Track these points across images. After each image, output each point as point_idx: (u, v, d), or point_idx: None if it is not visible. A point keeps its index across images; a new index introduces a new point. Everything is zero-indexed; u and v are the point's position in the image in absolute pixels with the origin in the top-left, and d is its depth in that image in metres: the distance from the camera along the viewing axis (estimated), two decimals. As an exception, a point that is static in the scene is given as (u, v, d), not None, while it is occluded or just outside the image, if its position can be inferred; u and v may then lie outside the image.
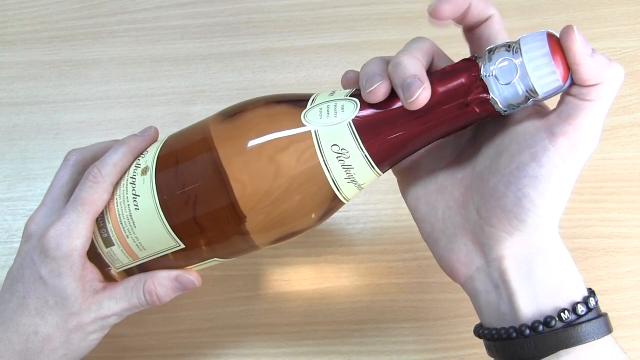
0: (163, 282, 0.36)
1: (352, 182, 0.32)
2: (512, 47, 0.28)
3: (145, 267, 0.37)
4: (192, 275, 0.37)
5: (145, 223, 0.34)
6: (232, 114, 0.34)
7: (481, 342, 0.33)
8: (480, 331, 0.32)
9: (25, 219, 0.39)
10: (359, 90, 0.31)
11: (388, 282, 0.47)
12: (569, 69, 0.27)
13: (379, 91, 0.29)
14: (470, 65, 0.29)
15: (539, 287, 0.29)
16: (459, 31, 0.32)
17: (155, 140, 0.38)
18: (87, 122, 0.53)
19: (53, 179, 0.38)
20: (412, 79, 0.28)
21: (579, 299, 0.29)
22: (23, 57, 0.56)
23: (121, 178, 0.36)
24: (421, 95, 0.28)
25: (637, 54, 0.54)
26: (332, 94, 0.32)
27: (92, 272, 0.36)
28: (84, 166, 0.38)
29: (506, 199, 0.29)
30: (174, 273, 0.36)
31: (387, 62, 0.31)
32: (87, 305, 0.35)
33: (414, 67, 0.29)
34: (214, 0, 0.58)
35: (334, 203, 0.33)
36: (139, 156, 0.36)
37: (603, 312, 0.30)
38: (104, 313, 0.36)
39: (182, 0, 0.58)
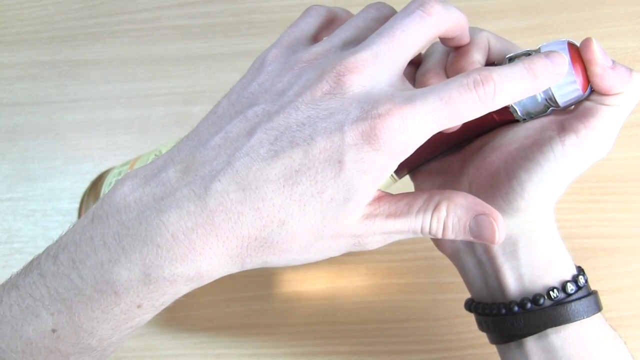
0: (459, 214, 0.26)
1: None
2: (532, 56, 0.28)
3: None
4: (496, 223, 0.26)
5: None
6: None
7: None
8: (471, 305, 0.33)
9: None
10: None
11: (388, 282, 0.47)
12: (589, 79, 0.27)
13: None
14: None
15: (523, 267, 0.30)
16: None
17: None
18: (87, 122, 0.53)
19: (395, 23, 0.25)
20: None
21: (568, 277, 0.30)
22: (23, 57, 0.56)
23: None
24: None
25: (637, 54, 0.54)
26: None
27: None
28: (437, 33, 0.26)
29: (497, 175, 0.29)
30: (476, 208, 0.26)
31: (411, 77, 0.30)
32: (367, 211, 0.26)
33: None
34: (214, 0, 0.58)
35: None
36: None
37: (593, 289, 0.30)
38: (371, 229, 0.26)
39: (182, 0, 0.58)
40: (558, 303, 0.29)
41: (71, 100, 0.54)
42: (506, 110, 0.29)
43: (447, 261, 0.34)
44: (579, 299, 0.29)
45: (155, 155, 0.36)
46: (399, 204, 0.26)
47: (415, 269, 0.48)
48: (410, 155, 0.32)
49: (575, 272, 0.30)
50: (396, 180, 0.32)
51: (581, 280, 0.30)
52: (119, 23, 0.57)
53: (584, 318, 0.29)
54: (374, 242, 0.26)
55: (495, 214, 0.26)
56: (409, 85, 0.25)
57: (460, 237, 0.27)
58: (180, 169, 0.24)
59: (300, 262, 0.26)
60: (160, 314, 0.46)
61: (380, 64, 0.24)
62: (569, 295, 0.29)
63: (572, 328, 0.29)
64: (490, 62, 0.30)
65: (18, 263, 0.48)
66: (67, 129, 0.53)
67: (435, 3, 0.25)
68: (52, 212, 0.50)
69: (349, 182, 0.23)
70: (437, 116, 0.23)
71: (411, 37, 0.25)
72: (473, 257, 0.31)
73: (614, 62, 0.27)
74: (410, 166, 0.33)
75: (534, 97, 0.28)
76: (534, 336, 0.29)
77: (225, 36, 0.56)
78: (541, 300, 0.29)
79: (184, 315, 0.47)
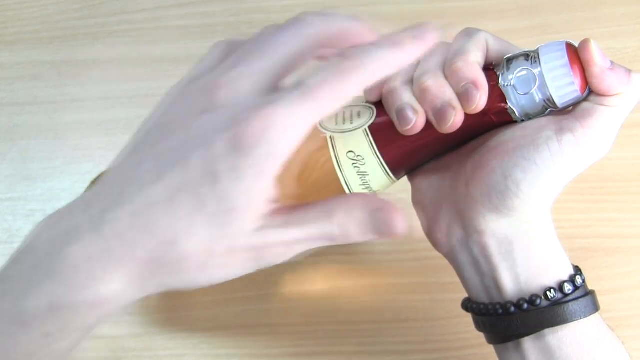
0: (355, 214, 0.26)
1: (367, 188, 0.32)
2: (531, 57, 0.28)
3: None
4: (395, 217, 0.25)
5: None
6: None
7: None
8: (467, 305, 0.32)
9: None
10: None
11: (388, 282, 0.47)
12: (587, 80, 0.27)
13: (416, 127, 0.29)
14: (488, 75, 0.29)
15: (520, 267, 0.30)
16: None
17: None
18: (87, 122, 0.53)
19: (270, 38, 0.26)
20: (441, 104, 0.28)
21: (565, 277, 0.30)
22: (23, 57, 0.56)
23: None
24: (455, 121, 0.28)
25: (637, 54, 0.54)
26: None
27: (277, 188, 0.25)
28: (317, 43, 0.26)
29: (493, 174, 0.29)
30: (370, 205, 0.26)
31: (409, 79, 0.30)
32: (258, 224, 0.25)
33: (440, 91, 0.29)
34: (214, 0, 0.58)
35: None
36: None
37: (590, 289, 0.30)
38: (266, 241, 0.25)
39: (182, 0, 0.58)
40: (555, 303, 0.29)
41: (71, 100, 0.54)
42: (504, 112, 0.29)
43: (447, 261, 0.34)
44: (576, 299, 0.29)
45: None
46: (295, 213, 0.26)
47: (415, 269, 0.48)
48: (407, 158, 0.31)
49: (572, 272, 0.30)
50: (394, 181, 0.32)
51: (578, 280, 0.29)
52: (119, 23, 0.57)
53: (581, 318, 0.29)
54: (276, 255, 0.26)
55: (391, 206, 0.25)
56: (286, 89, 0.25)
57: (366, 237, 0.26)
58: (86, 205, 0.26)
59: (203, 282, 0.26)
60: (160, 314, 0.47)
61: (250, 76, 0.25)
62: (566, 295, 0.29)
63: (569, 328, 0.29)
64: (489, 63, 0.30)
65: (18, 263, 0.48)
66: (67, 129, 0.53)
67: (310, 16, 0.25)
68: (52, 212, 0.50)
69: (227, 192, 0.23)
70: (301, 110, 0.23)
71: (283, 49, 0.25)
72: (469, 256, 0.31)
73: (612, 63, 0.27)
74: (407, 168, 0.33)
75: (533, 98, 0.28)
76: (531, 336, 0.29)
77: (225, 36, 0.56)
78: (538, 301, 0.29)
79: (184, 315, 0.47)
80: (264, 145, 0.23)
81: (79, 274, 0.24)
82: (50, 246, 0.25)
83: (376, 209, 0.26)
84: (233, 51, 0.28)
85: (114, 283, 0.24)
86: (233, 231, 0.24)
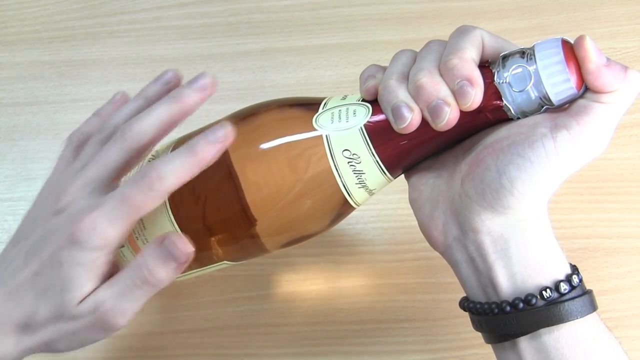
0: (149, 253, 0.31)
1: (363, 187, 0.32)
2: (526, 54, 0.28)
3: None
4: (177, 238, 0.30)
5: (154, 225, 0.34)
6: (244, 117, 0.33)
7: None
8: (465, 304, 0.32)
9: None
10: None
11: (388, 282, 0.47)
12: (583, 77, 0.27)
13: (411, 125, 0.29)
14: (484, 72, 0.29)
15: (515, 266, 0.29)
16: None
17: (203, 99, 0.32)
18: (87, 122, 0.53)
19: (102, 153, 0.32)
20: (436, 101, 0.28)
21: (562, 276, 0.29)
22: (23, 57, 0.56)
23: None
24: (450, 119, 0.28)
25: (637, 54, 0.54)
26: (344, 98, 0.32)
27: (110, 270, 0.32)
28: (140, 152, 0.33)
29: (488, 172, 0.29)
30: (159, 238, 0.31)
31: (405, 77, 0.30)
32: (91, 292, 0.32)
33: (435, 88, 0.29)
34: (214, 0, 0.58)
35: (344, 208, 0.33)
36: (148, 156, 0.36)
37: (588, 289, 0.30)
38: (97, 301, 0.32)
39: (182, 0, 0.58)
40: (551, 303, 0.29)
41: (71, 100, 0.54)
42: (500, 109, 0.29)
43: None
44: (573, 298, 0.28)
45: (152, 156, 0.36)
46: (114, 276, 0.33)
47: (415, 269, 0.48)
48: (403, 156, 0.31)
49: (569, 271, 0.30)
50: (390, 180, 0.32)
51: (575, 279, 0.29)
52: (119, 23, 0.57)
53: (577, 318, 0.28)
54: (115, 313, 0.33)
55: (172, 233, 0.31)
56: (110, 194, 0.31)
57: (169, 269, 0.31)
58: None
59: (62, 348, 0.32)
60: (160, 314, 0.47)
61: (87, 184, 0.31)
62: (562, 294, 0.29)
63: (565, 328, 0.28)
64: (485, 60, 0.30)
65: (18, 263, 0.48)
66: (67, 129, 0.53)
67: (131, 124, 0.31)
68: None
69: (69, 275, 0.30)
70: (119, 213, 0.29)
71: (109, 160, 0.32)
72: (465, 254, 0.31)
73: (608, 59, 0.27)
74: (403, 167, 0.33)
75: (529, 95, 0.28)
76: (528, 336, 0.29)
77: (225, 36, 0.56)
78: (533, 300, 0.28)
79: (184, 315, 0.47)
80: (96, 239, 0.30)
81: None
82: None
83: (162, 239, 0.31)
84: (81, 147, 0.36)
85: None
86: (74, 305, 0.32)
